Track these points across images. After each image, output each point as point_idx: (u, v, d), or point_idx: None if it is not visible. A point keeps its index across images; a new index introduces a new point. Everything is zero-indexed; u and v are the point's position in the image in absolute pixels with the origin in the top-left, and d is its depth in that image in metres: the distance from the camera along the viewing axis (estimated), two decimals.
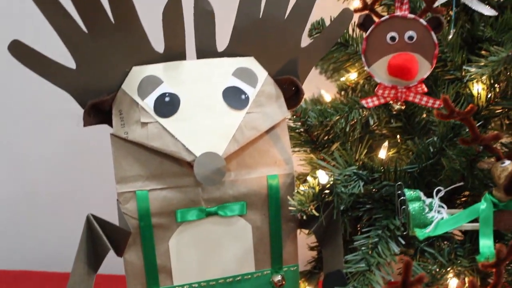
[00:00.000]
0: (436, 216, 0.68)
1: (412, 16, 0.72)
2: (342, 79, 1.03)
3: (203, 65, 0.75)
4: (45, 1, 0.65)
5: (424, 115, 0.87)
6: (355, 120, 0.83)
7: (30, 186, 1.42)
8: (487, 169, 0.69)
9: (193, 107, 0.72)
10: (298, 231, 0.81)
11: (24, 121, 1.38)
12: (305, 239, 0.93)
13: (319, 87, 1.09)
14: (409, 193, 0.71)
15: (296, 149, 0.94)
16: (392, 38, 0.73)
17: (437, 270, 0.73)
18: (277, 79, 0.78)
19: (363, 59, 0.75)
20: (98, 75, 0.71)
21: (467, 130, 0.66)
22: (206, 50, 0.76)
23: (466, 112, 0.63)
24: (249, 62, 0.77)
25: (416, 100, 0.75)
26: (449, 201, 0.77)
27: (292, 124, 0.90)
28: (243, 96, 0.75)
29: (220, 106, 0.73)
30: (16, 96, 1.35)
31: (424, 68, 0.73)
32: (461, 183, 0.75)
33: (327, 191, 0.73)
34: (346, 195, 0.73)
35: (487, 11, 0.81)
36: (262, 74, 0.77)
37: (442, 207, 0.70)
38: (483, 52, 0.75)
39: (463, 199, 0.83)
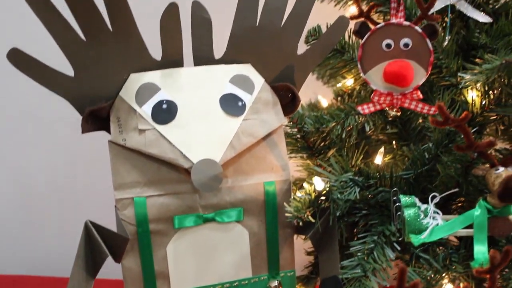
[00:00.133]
0: (431, 222, 0.69)
1: (407, 23, 0.72)
2: (339, 85, 1.04)
3: (201, 72, 0.76)
4: (44, 10, 0.65)
5: (420, 121, 0.87)
6: (351, 127, 0.84)
7: (29, 192, 1.42)
8: (482, 175, 0.69)
9: (190, 114, 0.73)
10: (295, 236, 0.81)
11: (23, 128, 1.38)
12: (302, 244, 0.93)
13: (316, 92, 1.10)
14: (404, 199, 0.71)
15: (293, 155, 0.95)
16: (388, 45, 0.74)
17: (432, 275, 0.73)
18: (273, 85, 0.79)
19: (359, 66, 0.75)
20: (96, 83, 0.71)
21: (462, 136, 0.67)
22: (203, 57, 0.76)
23: (461, 119, 0.64)
24: (246, 69, 0.78)
25: (412, 107, 0.75)
26: (444, 207, 0.77)
27: (288, 130, 0.91)
28: (240, 103, 0.75)
29: (217, 113, 0.74)
30: (15, 102, 1.35)
31: (419, 75, 0.74)
32: (456, 189, 0.75)
33: (323, 198, 0.74)
34: (342, 201, 0.73)
35: (482, 18, 0.82)
36: (259, 81, 0.78)
37: (437, 213, 0.70)
38: (477, 60, 0.76)
39: (458, 205, 0.83)
